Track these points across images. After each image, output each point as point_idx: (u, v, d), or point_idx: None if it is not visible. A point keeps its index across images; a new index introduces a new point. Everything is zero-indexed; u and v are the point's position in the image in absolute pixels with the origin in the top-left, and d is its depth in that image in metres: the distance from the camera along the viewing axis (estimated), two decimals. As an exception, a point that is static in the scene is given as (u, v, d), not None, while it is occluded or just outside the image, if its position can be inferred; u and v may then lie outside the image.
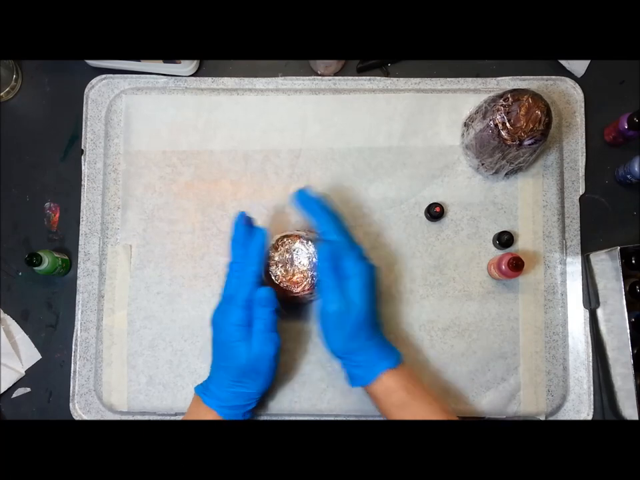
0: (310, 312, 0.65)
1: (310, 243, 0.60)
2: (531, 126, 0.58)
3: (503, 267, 0.61)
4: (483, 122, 0.61)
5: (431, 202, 0.66)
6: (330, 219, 0.59)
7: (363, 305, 0.56)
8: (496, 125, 0.59)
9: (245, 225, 0.59)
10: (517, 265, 0.60)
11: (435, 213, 0.65)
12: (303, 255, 0.60)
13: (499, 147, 0.60)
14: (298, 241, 0.60)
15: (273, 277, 0.60)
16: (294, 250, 0.60)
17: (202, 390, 0.58)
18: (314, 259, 0.59)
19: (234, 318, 0.56)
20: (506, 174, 0.65)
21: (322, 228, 0.59)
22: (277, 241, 0.60)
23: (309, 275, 0.59)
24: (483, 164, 0.64)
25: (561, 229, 0.67)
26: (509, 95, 0.59)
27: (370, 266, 0.58)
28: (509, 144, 0.59)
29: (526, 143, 0.58)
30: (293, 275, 0.59)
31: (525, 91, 0.59)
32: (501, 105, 0.59)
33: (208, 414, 0.57)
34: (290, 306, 0.63)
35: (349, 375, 0.59)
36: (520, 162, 0.62)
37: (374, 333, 0.58)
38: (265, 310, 0.56)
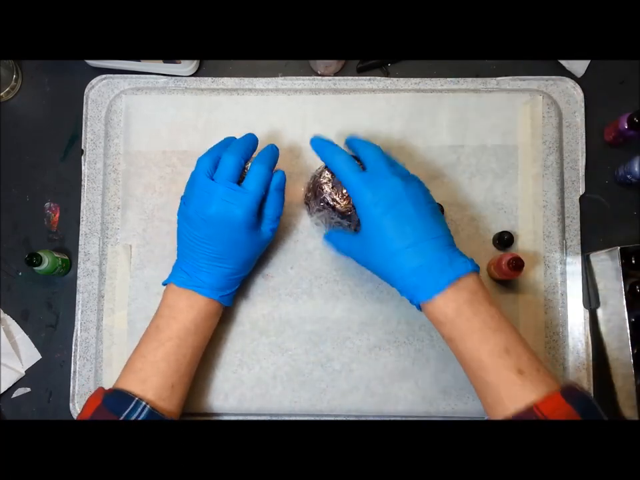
0: (310, 313, 0.65)
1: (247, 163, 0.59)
2: None
3: (503, 267, 0.61)
4: (316, 202, 0.60)
5: None
6: (335, 153, 0.57)
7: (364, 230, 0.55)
8: (328, 204, 0.59)
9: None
10: (516, 265, 0.60)
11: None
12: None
13: (342, 218, 0.60)
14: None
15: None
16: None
17: (194, 285, 0.57)
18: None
19: (238, 200, 0.55)
20: None
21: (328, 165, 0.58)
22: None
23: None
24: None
25: (561, 229, 0.67)
26: (325, 170, 0.59)
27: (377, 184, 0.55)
28: (349, 214, 0.59)
29: None
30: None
31: None
32: (324, 183, 0.59)
33: (210, 305, 0.58)
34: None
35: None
36: None
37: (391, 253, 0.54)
38: (278, 197, 0.58)
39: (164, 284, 0.60)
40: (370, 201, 0.53)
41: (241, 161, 0.57)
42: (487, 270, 0.65)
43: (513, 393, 0.48)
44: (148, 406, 0.53)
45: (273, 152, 0.60)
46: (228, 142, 0.60)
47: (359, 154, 0.58)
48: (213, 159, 0.57)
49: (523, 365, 0.49)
